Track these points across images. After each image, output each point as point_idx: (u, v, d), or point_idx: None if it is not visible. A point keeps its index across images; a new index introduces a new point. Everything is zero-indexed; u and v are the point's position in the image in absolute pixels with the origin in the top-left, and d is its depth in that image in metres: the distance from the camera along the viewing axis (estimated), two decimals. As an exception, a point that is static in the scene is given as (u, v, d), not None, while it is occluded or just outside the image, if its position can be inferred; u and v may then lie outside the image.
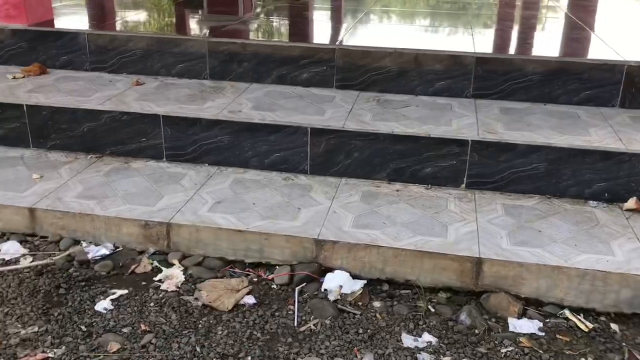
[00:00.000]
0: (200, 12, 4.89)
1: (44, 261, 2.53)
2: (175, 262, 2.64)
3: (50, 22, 4.20)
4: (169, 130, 3.25)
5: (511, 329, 2.31)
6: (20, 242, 2.77)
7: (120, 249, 2.72)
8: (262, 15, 4.76)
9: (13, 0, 4.00)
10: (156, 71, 3.87)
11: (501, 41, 4.20)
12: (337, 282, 2.49)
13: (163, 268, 2.60)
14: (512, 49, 3.94)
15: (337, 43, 3.72)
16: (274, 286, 2.53)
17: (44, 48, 3.98)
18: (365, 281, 2.54)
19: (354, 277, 2.54)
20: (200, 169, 3.22)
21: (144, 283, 2.52)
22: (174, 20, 4.69)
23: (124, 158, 3.32)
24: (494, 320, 2.36)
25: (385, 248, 2.52)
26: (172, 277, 2.54)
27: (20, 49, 4.01)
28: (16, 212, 2.81)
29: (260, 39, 3.86)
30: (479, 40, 3.94)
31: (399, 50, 3.57)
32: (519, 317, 2.37)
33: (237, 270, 2.62)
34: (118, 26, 4.23)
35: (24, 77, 3.80)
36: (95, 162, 3.27)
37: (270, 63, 3.73)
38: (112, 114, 3.28)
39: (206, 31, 4.14)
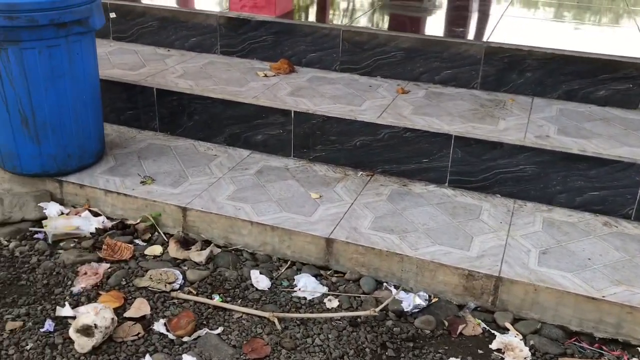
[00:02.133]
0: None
1: (366, 313, 2.17)
2: (509, 325, 2.20)
3: (291, 14, 3.89)
4: (459, 153, 2.81)
5: None
6: (315, 276, 2.46)
7: (434, 299, 2.33)
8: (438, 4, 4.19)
9: (262, -10, 3.72)
10: (416, 76, 3.44)
11: None
12: None
13: (495, 333, 2.18)
14: None
15: (649, 56, 3.09)
16: (645, 376, 2.04)
17: (291, 43, 3.67)
18: None
19: None
20: (493, 201, 2.76)
21: (480, 351, 2.11)
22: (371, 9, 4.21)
23: (397, 179, 2.93)
24: None
25: None
26: (513, 347, 2.11)
27: (265, 42, 3.72)
28: (310, 241, 2.49)
29: (550, 45, 3.26)
30: None
31: None
32: None
33: (585, 345, 2.15)
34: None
35: (274, 75, 3.52)
36: (369, 181, 2.90)
37: (560, 75, 3.18)
38: (394, 130, 2.88)
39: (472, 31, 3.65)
